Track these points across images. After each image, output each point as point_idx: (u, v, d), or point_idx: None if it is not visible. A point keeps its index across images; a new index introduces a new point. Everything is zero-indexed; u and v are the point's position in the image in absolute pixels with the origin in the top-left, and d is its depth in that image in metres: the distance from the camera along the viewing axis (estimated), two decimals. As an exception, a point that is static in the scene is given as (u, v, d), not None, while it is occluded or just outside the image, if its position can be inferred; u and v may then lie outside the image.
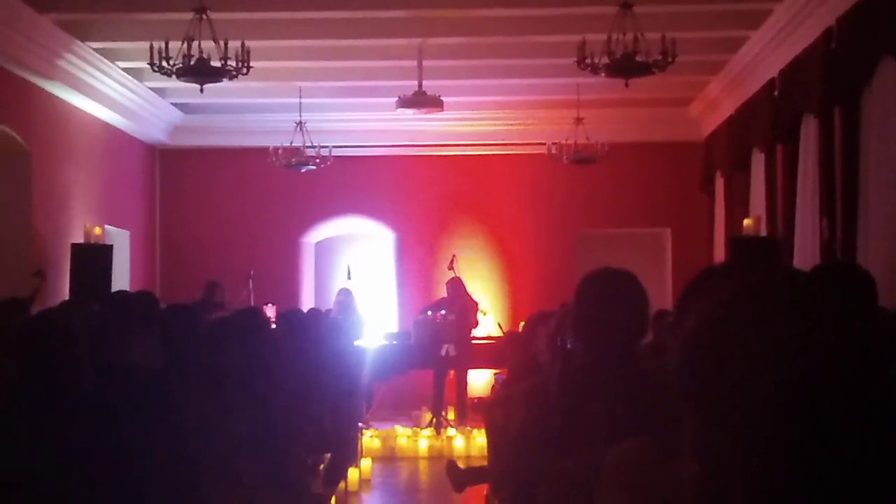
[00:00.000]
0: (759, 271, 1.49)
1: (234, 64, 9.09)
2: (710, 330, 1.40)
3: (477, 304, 14.12)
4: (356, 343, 11.93)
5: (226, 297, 13.92)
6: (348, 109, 15.53)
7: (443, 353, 13.33)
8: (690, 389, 1.41)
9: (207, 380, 4.62)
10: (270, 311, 12.23)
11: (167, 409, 4.08)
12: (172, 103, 15.29)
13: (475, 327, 13.93)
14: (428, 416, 13.37)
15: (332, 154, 13.94)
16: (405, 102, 12.42)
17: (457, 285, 14.06)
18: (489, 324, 14.43)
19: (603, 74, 9.36)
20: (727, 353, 1.37)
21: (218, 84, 9.62)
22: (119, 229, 14.48)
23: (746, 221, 12.45)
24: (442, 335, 13.41)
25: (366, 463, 11.11)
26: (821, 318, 1.38)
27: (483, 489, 6.68)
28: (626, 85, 9.64)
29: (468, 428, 12.94)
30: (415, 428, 13.16)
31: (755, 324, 1.37)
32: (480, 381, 14.95)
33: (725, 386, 1.36)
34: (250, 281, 14.63)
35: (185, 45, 8.92)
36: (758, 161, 12.64)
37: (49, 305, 10.10)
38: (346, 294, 14.18)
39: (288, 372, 6.09)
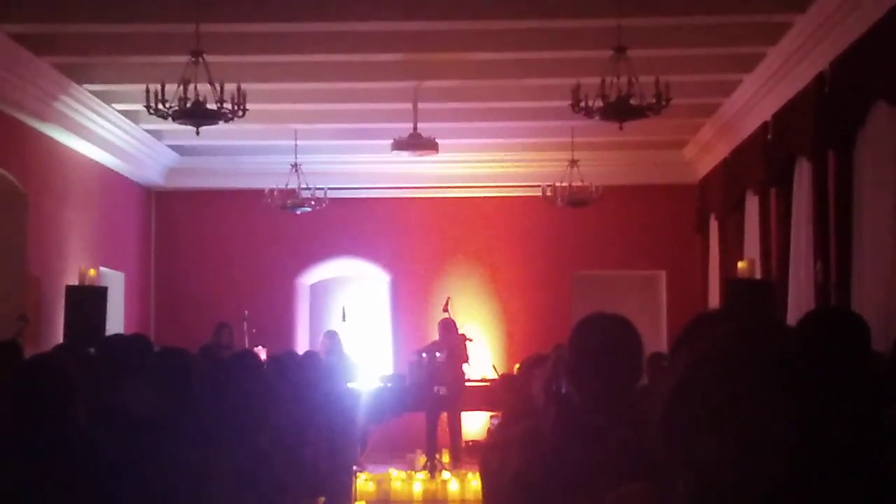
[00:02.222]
0: (736, 327, 1.50)
1: (230, 106, 9.10)
2: (687, 388, 1.40)
3: (464, 336, 14.06)
4: (350, 385, 11.89)
5: (234, 340, 13.90)
6: (344, 152, 15.58)
7: (435, 391, 13.30)
8: (672, 443, 1.42)
9: (201, 423, 4.60)
10: (261, 354, 12.19)
11: (160, 452, 4.06)
12: (168, 145, 15.33)
13: (466, 361, 13.87)
14: (422, 459, 13.30)
15: (328, 196, 13.97)
16: (400, 145, 12.45)
17: (449, 326, 14.03)
18: (483, 362, 14.40)
19: (597, 118, 9.38)
20: (705, 412, 1.37)
21: (214, 126, 9.64)
22: (114, 271, 14.46)
23: (741, 264, 12.46)
24: (436, 377, 13.39)
25: (360, 506, 11.05)
26: (804, 374, 1.38)
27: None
28: (621, 128, 9.67)
29: (463, 471, 12.88)
30: (409, 471, 13.08)
31: (732, 380, 1.38)
32: (475, 423, 14.90)
33: (706, 441, 1.36)
34: (245, 322, 14.60)
35: (182, 87, 8.93)
36: (752, 204, 12.67)
37: (43, 347, 10.08)
38: (330, 337, 14.12)
39: (281, 415, 6.07)
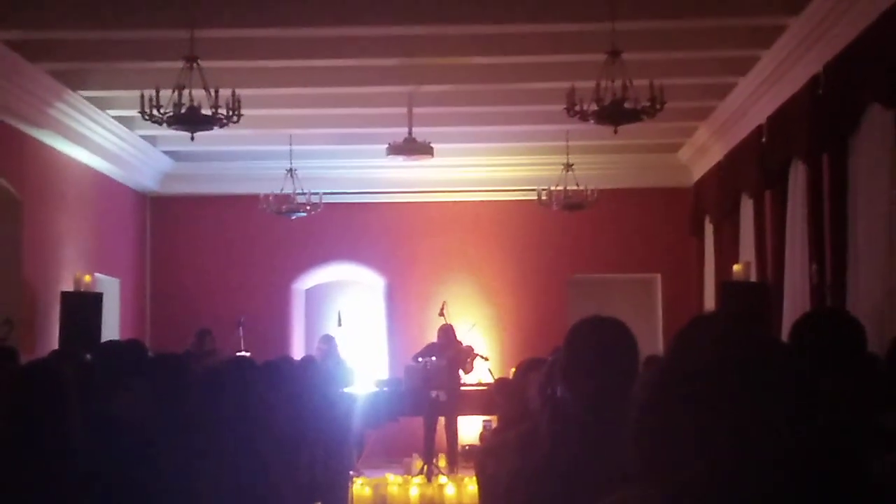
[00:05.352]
0: (714, 335, 1.50)
1: (224, 112, 9.10)
2: (662, 396, 1.41)
3: (472, 348, 14.05)
4: (347, 390, 11.87)
5: (217, 344, 13.87)
6: (339, 156, 15.58)
7: (433, 396, 13.29)
8: (645, 451, 1.42)
9: (196, 429, 4.60)
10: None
11: (156, 459, 4.05)
12: (163, 151, 15.32)
13: (469, 372, 13.85)
14: (419, 464, 13.29)
15: (323, 201, 13.97)
16: (395, 149, 12.45)
17: (448, 332, 14.00)
18: (483, 370, 14.38)
19: (592, 121, 9.39)
20: (680, 421, 1.38)
21: (209, 132, 9.64)
22: (109, 277, 14.45)
23: (736, 267, 12.47)
24: (433, 381, 13.37)
25: (357, 511, 11.04)
26: (785, 380, 1.39)
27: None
28: (616, 131, 9.67)
29: (459, 475, 12.88)
30: (406, 476, 13.08)
31: (710, 389, 1.38)
32: (471, 428, 14.89)
33: (681, 451, 1.37)
34: (240, 328, 14.58)
35: (176, 93, 8.93)
36: (746, 207, 12.69)
37: (39, 354, 10.06)
38: (327, 341, 14.06)
39: (277, 420, 6.06)
